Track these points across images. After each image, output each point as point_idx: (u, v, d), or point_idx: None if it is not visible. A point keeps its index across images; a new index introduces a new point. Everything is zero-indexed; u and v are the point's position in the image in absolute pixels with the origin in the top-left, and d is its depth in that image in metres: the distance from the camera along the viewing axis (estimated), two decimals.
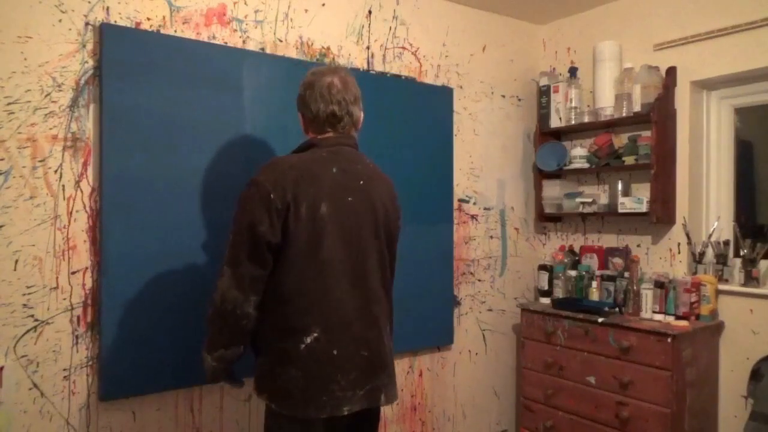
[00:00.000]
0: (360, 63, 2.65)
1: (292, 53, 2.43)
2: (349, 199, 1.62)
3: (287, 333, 1.57)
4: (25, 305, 1.87)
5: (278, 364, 1.58)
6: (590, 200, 2.96)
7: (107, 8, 2.01)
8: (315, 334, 1.55)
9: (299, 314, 1.56)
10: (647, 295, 2.56)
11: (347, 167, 1.64)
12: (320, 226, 1.56)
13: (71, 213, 1.95)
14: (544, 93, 3.16)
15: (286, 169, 1.57)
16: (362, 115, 1.76)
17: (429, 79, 2.88)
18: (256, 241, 1.52)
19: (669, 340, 2.36)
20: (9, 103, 1.85)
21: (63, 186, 1.94)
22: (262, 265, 1.54)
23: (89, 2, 1.98)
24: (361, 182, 1.66)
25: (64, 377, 1.94)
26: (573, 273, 2.96)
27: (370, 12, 2.69)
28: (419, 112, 2.77)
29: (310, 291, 1.57)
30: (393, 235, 1.80)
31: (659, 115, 2.64)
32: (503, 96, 3.21)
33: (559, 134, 3.23)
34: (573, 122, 3.04)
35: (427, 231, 2.79)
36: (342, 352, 1.57)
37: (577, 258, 3.07)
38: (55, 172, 1.93)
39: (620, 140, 2.92)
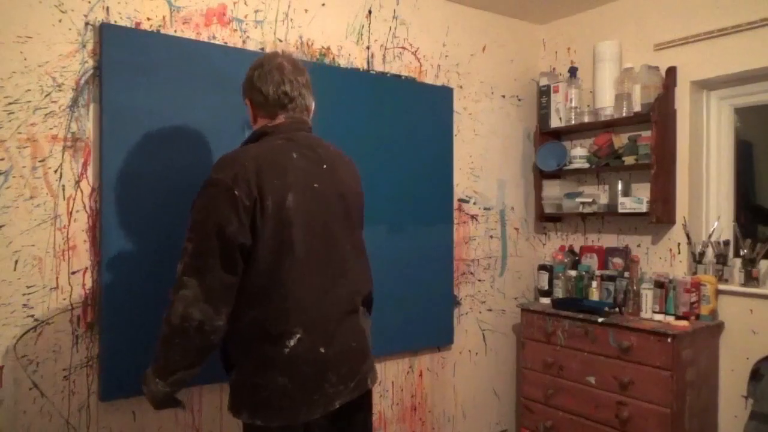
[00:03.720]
0: (360, 63, 2.65)
1: (292, 53, 2.43)
2: (315, 185, 1.51)
3: (266, 339, 1.45)
4: (25, 305, 1.87)
5: (259, 374, 1.45)
6: (590, 200, 2.96)
7: (107, 8, 2.01)
8: (298, 336, 1.44)
9: (277, 316, 1.44)
10: (647, 295, 2.56)
11: (308, 153, 1.53)
12: (288, 218, 1.43)
13: (71, 213, 1.95)
14: (544, 93, 3.16)
15: (245, 162, 1.43)
16: (314, 104, 1.66)
17: (429, 79, 2.88)
18: (227, 245, 1.38)
19: (669, 340, 2.36)
20: (9, 103, 1.85)
21: (63, 186, 1.94)
22: (234, 272, 1.41)
23: (89, 2, 1.98)
24: (325, 166, 1.55)
25: (64, 377, 1.94)
26: (573, 273, 2.96)
27: (370, 12, 2.69)
28: (419, 112, 2.77)
29: (285, 289, 1.44)
30: (361, 218, 1.71)
31: (659, 115, 2.64)
32: (503, 96, 3.21)
33: (559, 134, 3.23)
34: (573, 122, 3.04)
35: (427, 231, 2.79)
36: (331, 349, 1.48)
37: (577, 258, 3.07)
38: (55, 172, 1.93)
39: (620, 140, 2.92)
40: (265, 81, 1.56)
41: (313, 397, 1.46)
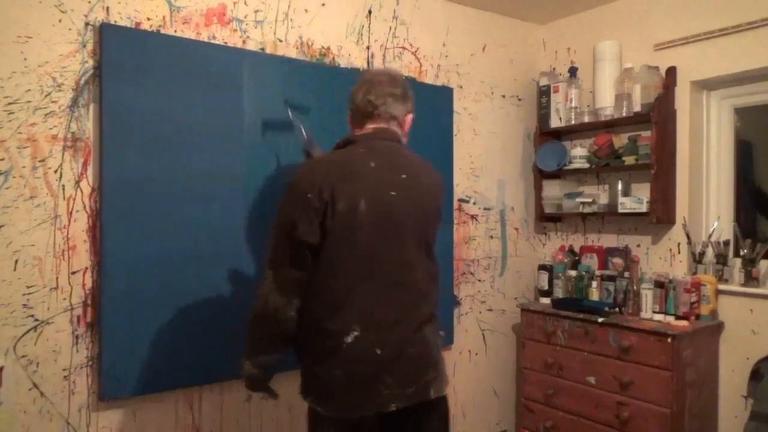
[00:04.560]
0: (360, 63, 2.65)
1: (292, 53, 2.43)
2: (392, 193, 1.57)
3: (327, 332, 1.54)
4: (25, 305, 1.88)
5: (320, 364, 1.56)
6: (590, 200, 2.96)
7: (107, 8, 2.01)
8: (356, 333, 1.52)
9: (338, 313, 1.53)
10: (647, 295, 2.56)
11: (388, 161, 1.60)
12: (359, 222, 1.52)
13: (71, 213, 1.95)
14: (544, 93, 3.16)
15: (322, 167, 1.57)
16: (410, 116, 1.73)
17: (429, 79, 2.88)
18: (295, 243, 1.52)
19: (669, 340, 2.36)
20: (9, 103, 1.85)
21: (63, 186, 1.94)
22: (302, 268, 1.54)
23: (89, 2, 1.98)
24: (404, 176, 1.61)
25: (64, 377, 1.94)
26: (573, 273, 2.96)
27: (370, 12, 2.69)
28: (419, 112, 2.72)
29: (346, 288, 1.54)
30: (434, 233, 1.78)
31: (659, 115, 2.64)
32: (503, 96, 3.21)
33: (559, 134, 3.22)
34: (573, 122, 3.04)
35: None
36: (387, 351, 1.53)
37: (577, 258, 3.07)
38: (55, 172, 1.93)
39: (620, 140, 2.92)
40: (357, 92, 1.67)
41: (368, 394, 1.53)
